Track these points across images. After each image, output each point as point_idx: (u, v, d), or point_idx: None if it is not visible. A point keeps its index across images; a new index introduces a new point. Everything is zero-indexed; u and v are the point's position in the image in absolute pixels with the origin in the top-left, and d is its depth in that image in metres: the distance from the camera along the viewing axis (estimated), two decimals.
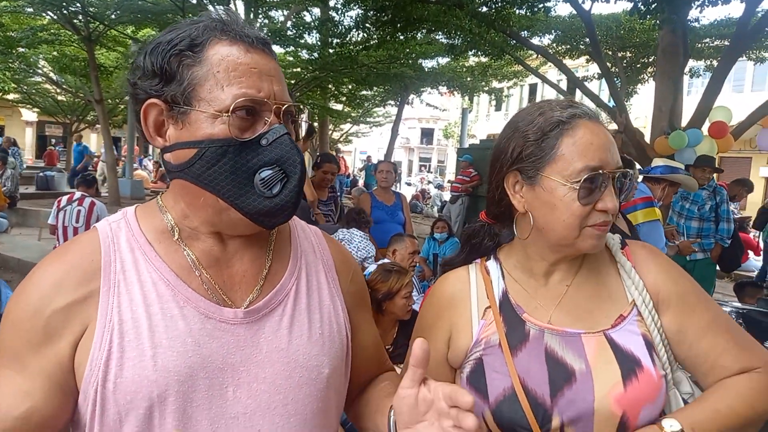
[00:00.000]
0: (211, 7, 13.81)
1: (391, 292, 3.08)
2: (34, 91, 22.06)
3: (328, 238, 1.15)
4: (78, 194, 6.72)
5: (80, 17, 12.67)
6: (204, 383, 0.88)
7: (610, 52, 12.37)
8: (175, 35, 0.89)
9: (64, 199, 6.73)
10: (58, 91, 21.67)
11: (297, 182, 0.89)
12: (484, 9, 8.69)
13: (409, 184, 36.88)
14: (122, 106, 22.14)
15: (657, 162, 4.43)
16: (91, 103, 14.94)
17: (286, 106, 0.90)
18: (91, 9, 12.49)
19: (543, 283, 1.16)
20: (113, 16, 13.30)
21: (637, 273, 1.14)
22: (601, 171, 1.04)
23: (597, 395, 1.02)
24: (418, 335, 1.23)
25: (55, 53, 16.69)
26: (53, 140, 28.96)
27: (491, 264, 1.24)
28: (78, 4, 12.17)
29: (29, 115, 30.01)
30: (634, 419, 1.02)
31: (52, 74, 19.73)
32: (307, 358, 0.96)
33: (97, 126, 23.43)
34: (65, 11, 12.20)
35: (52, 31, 14.48)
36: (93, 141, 34.91)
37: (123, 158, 17.33)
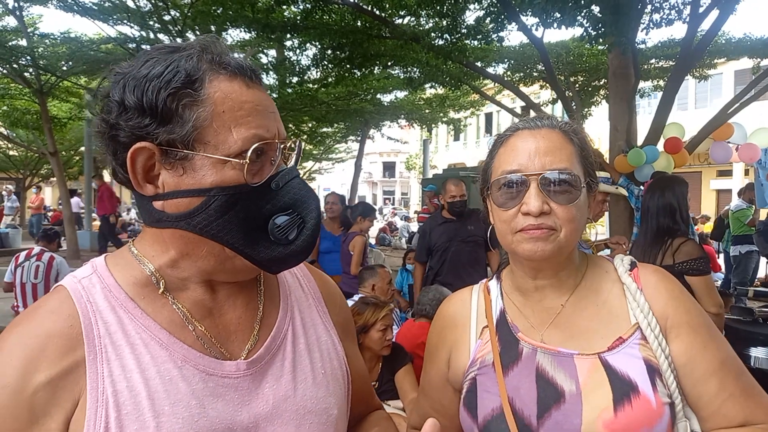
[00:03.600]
0: None
1: (367, 325, 3.05)
2: None
3: (311, 270, 1.10)
4: (37, 249, 6.47)
5: (31, 70, 12.44)
6: None
7: (562, 77, 12.78)
8: (164, 68, 0.78)
9: (22, 254, 6.46)
10: (10, 145, 21.11)
11: (314, 226, 0.84)
12: (440, 42, 8.88)
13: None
14: (77, 158, 21.68)
15: None
16: (45, 156, 14.58)
17: (289, 144, 0.86)
18: (41, 61, 12.29)
19: (537, 301, 1.13)
20: (65, 68, 13.13)
21: (644, 296, 1.08)
22: (518, 174, 1.04)
23: (585, 419, 0.98)
24: (427, 356, 1.28)
25: (5, 107, 16.31)
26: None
27: (492, 284, 1.23)
28: (28, 57, 11.97)
29: None
30: None
31: (2, 129, 19.24)
32: (316, 402, 0.90)
33: (52, 179, 22.84)
34: (15, 65, 11.98)
35: (1, 85, 14.19)
36: (48, 194, 34.02)
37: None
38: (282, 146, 0.84)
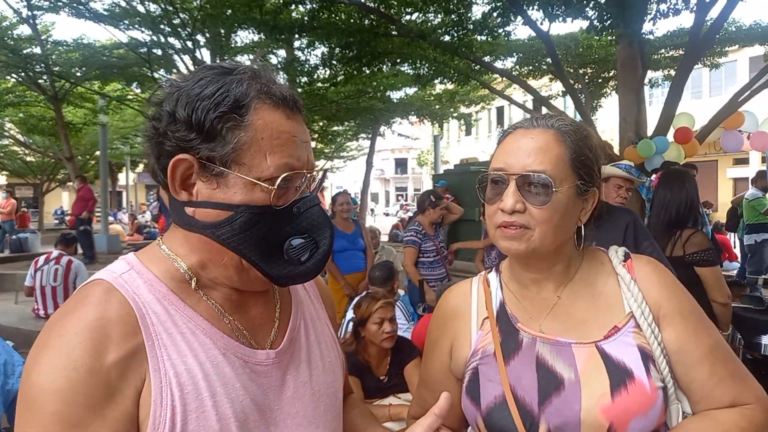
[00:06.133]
0: (177, 57, 13.95)
1: (363, 319, 3.12)
2: (1, 154, 21.81)
3: None
4: (55, 253, 6.61)
5: (45, 77, 12.66)
6: (254, 425, 0.90)
7: (571, 70, 12.72)
8: (215, 90, 0.85)
9: (42, 258, 6.61)
10: (27, 152, 21.46)
11: (325, 251, 0.92)
12: (447, 38, 8.89)
13: (387, 215, 36.98)
14: (92, 162, 21.99)
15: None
16: (62, 162, 14.82)
17: (314, 173, 0.94)
18: (55, 68, 12.50)
19: (535, 293, 1.18)
20: (79, 74, 13.33)
21: (637, 286, 1.13)
22: (501, 172, 1.09)
23: (584, 405, 1.03)
24: (427, 348, 1.32)
25: (21, 115, 16.60)
26: (24, 202, 28.52)
27: (492, 276, 1.28)
28: (43, 65, 12.17)
29: None
30: (622, 430, 1.02)
31: (19, 136, 19.56)
32: (326, 386, 1.04)
33: (69, 184, 23.18)
34: (30, 73, 12.20)
35: (17, 93, 14.44)
36: (65, 199, 34.53)
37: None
38: (309, 175, 0.92)
